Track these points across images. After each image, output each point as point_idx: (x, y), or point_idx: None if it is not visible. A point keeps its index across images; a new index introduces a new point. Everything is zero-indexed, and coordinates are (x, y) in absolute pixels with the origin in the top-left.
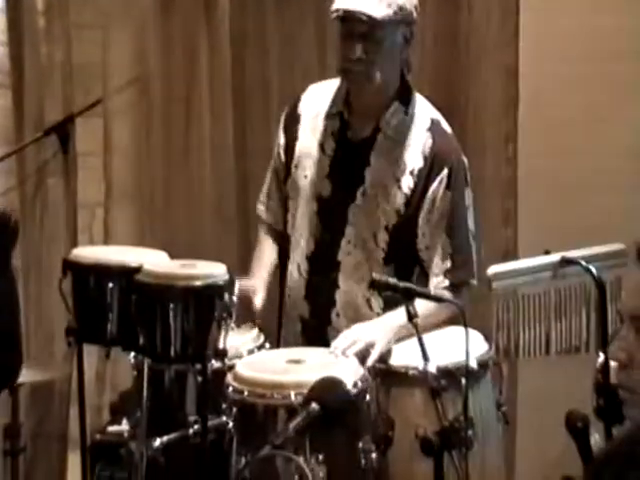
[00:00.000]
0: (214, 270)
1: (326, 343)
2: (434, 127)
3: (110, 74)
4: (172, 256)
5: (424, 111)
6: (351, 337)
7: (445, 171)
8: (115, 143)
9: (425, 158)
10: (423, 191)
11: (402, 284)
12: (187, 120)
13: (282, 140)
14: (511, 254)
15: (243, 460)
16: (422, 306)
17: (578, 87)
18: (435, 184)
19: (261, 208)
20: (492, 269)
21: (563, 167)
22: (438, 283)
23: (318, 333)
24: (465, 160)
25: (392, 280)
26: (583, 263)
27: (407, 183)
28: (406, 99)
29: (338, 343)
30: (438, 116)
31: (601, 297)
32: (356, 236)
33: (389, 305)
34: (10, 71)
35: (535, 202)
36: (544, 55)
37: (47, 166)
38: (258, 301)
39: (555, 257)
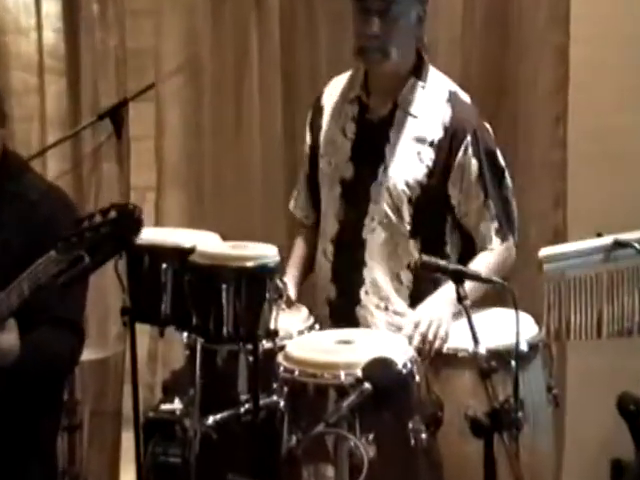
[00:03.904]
0: (266, 251)
1: (354, 323)
2: (453, 98)
3: (162, 59)
4: (221, 238)
5: (441, 84)
6: (424, 322)
7: (468, 138)
8: (167, 127)
9: (445, 129)
10: (446, 161)
11: (452, 266)
12: (237, 104)
13: (308, 138)
14: (561, 237)
15: (294, 438)
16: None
17: (629, 68)
18: (460, 153)
19: (292, 203)
20: (543, 251)
21: (614, 149)
22: (495, 244)
23: (346, 313)
24: (487, 125)
25: (442, 262)
26: (636, 246)
27: (428, 155)
28: (422, 74)
29: (410, 331)
30: (455, 87)
31: None
32: (379, 213)
33: (418, 278)
34: (65, 57)
35: (586, 184)
36: (595, 35)
37: (100, 150)
38: (291, 295)
39: (607, 240)
